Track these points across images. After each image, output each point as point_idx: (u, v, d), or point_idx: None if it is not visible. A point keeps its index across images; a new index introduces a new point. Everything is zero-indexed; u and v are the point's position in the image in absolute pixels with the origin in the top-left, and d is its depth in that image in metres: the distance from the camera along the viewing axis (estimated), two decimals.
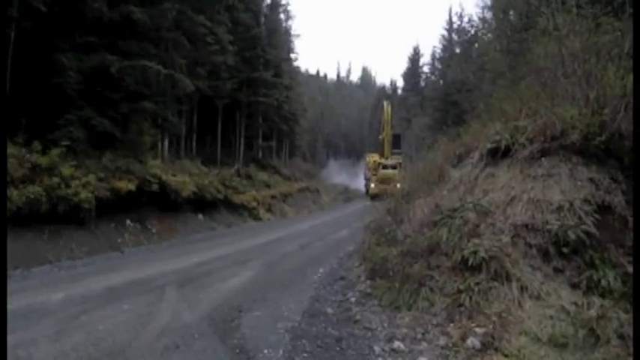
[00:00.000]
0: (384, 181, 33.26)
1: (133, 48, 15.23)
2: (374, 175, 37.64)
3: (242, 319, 5.64)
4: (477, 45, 37.34)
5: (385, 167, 36.99)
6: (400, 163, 35.75)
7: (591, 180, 5.81)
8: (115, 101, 14.60)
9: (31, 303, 6.54)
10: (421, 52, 65.29)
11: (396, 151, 39.55)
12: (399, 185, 24.97)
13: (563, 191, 5.81)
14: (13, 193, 9.86)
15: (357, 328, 5.22)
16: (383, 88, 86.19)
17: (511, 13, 18.93)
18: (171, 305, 6.39)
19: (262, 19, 34.91)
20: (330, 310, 6.02)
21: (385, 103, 42.83)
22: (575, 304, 4.78)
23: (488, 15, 30.82)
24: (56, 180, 10.93)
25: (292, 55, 48.19)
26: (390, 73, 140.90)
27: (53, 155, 11.37)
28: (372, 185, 36.34)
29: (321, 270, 8.93)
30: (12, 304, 6.36)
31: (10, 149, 10.68)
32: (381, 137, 41.00)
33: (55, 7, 13.05)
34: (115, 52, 14.34)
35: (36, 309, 6.26)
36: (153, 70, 14.72)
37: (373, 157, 41.31)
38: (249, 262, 9.83)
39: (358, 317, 5.58)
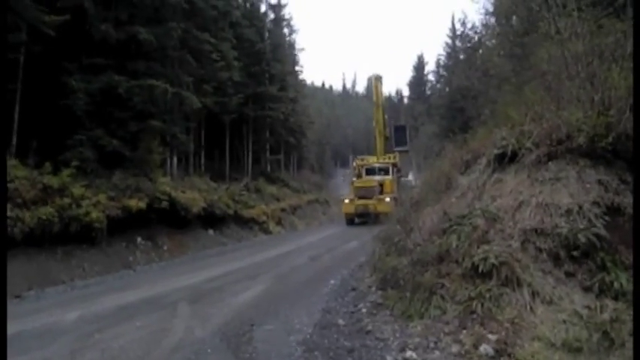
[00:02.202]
0: (364, 193, 23.20)
1: (140, 67, 15.47)
2: (352, 185, 25.48)
3: (254, 333, 5.65)
4: (480, 51, 37.34)
5: (371, 172, 26.22)
6: (395, 165, 26.55)
7: (600, 182, 5.78)
8: (124, 120, 14.81)
9: (45, 323, 6.62)
10: (426, 60, 65.55)
11: (399, 149, 29.09)
12: (390, 200, 21.16)
13: (571, 194, 5.78)
14: (25, 214, 10.00)
15: (369, 339, 5.20)
16: (389, 97, 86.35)
17: (513, 18, 18.98)
18: (184, 321, 6.41)
19: (266, 34, 35.23)
20: (341, 322, 6.00)
21: (373, 77, 31.90)
22: (588, 307, 4.73)
23: (492, 20, 30.92)
24: (67, 200, 11.07)
25: (297, 69, 48.57)
26: (395, 82, 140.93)
27: (64, 176, 11.53)
28: (346, 201, 24.05)
29: (332, 281, 8.91)
30: (27, 324, 6.47)
31: (22, 171, 10.86)
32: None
33: (62, 31, 13.30)
34: (122, 73, 14.59)
35: (50, 329, 6.32)
36: (160, 88, 14.94)
37: (361, 161, 28.51)
38: (260, 275, 9.84)
39: (370, 328, 5.56)
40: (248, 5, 33.82)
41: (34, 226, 10.06)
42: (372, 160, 27.63)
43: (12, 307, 7.73)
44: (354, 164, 29.23)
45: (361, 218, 23.08)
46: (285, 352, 4.98)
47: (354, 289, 7.84)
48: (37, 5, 12.81)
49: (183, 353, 5.05)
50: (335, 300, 7.33)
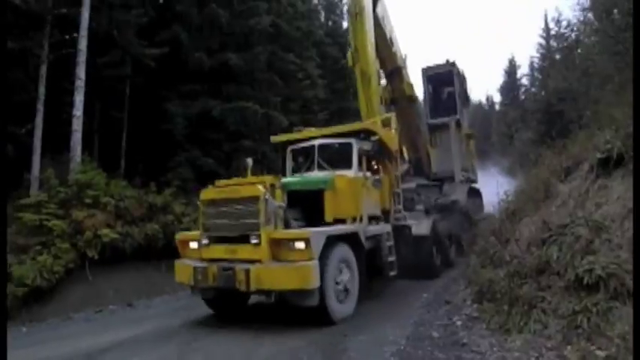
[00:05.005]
0: (226, 224, 6.92)
1: (231, 91, 16.43)
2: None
3: (347, 344, 5.73)
4: (579, 50, 34.93)
5: (305, 158, 9.20)
6: (385, 144, 8.96)
7: None
8: (218, 141, 15.82)
9: (158, 327, 7.33)
10: (518, 63, 62.11)
11: (443, 120, 15.23)
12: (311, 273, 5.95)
13: None
14: (134, 230, 11.05)
15: (464, 352, 5.06)
16: (479, 104, 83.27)
17: (614, 12, 17.62)
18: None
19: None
20: (435, 334, 5.90)
21: None
22: None
23: (589, 16, 28.87)
24: (170, 217, 11.98)
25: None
26: (485, 88, 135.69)
27: (167, 195, 12.54)
28: (192, 247, 7.56)
29: (424, 295, 8.77)
30: (139, 329, 7.22)
31: (130, 191, 12.01)
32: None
33: (161, 62, 14.58)
34: (215, 97, 15.61)
35: (160, 333, 6.93)
36: (250, 110, 15.74)
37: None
38: None
39: (465, 341, 5.41)
40: (330, 23, 34.54)
41: (141, 241, 11.06)
42: (313, 134, 9.65)
43: (127, 313, 9.08)
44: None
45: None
46: None
47: (448, 302, 7.67)
48: (139, 40, 14.19)
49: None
50: (428, 313, 7.24)
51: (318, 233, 6.54)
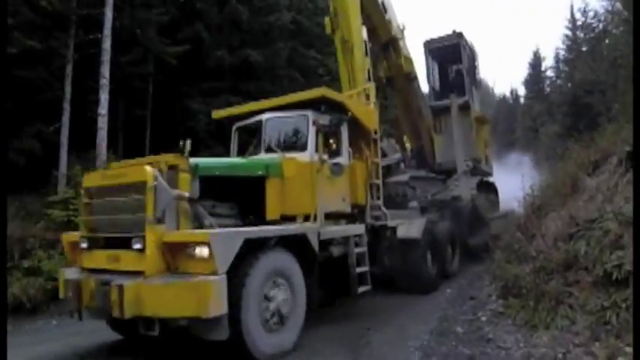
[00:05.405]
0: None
1: (252, 88, 16.51)
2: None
3: (371, 338, 5.71)
4: (606, 40, 34.01)
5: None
6: (350, 113, 7.13)
7: None
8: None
9: None
10: (543, 55, 60.86)
11: (444, 103, 12.75)
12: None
13: None
14: None
15: (489, 347, 4.99)
16: (503, 98, 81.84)
17: None
18: None
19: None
20: (459, 329, 5.84)
21: None
22: None
23: (617, 6, 28.09)
24: None
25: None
26: (509, 81, 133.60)
27: None
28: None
29: (448, 290, 8.69)
30: None
31: None
32: None
33: (182, 60, 14.76)
34: (236, 94, 15.70)
35: None
36: None
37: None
38: None
39: (491, 336, 5.34)
40: None
41: None
42: (261, 105, 7.36)
43: None
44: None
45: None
46: (401, 357, 4.98)
47: (472, 298, 7.58)
48: (161, 38, 14.39)
49: None
50: (452, 308, 7.17)
51: (228, 235, 4.70)
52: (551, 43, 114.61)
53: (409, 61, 12.25)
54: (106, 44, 11.88)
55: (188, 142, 5.10)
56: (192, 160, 5.18)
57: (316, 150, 6.46)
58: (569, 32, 48.62)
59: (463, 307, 7.12)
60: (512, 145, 45.46)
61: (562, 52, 52.18)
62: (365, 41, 9.53)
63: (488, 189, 13.85)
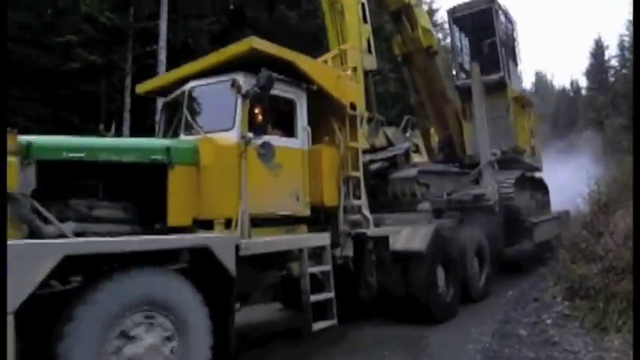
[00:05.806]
0: None
1: None
2: None
3: (430, 340, 5.59)
4: None
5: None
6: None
7: None
8: None
9: None
10: (605, 43, 57.77)
11: (468, 81, 9.97)
12: None
13: None
14: None
15: (556, 351, 4.75)
16: (563, 90, 78.21)
17: None
18: None
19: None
20: (523, 332, 5.60)
21: None
22: None
23: None
24: None
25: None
26: (569, 72, 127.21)
27: None
28: None
29: (509, 292, 8.36)
30: None
31: None
32: None
33: None
34: None
35: None
36: None
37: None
38: None
39: (556, 339, 5.09)
40: None
41: None
42: (186, 70, 5.41)
43: None
44: None
45: None
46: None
47: (536, 300, 7.26)
48: (212, 47, 14.76)
49: None
50: (514, 310, 6.89)
51: (25, 249, 2.86)
52: (615, 30, 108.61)
53: (428, 32, 10.10)
54: (162, 55, 12.37)
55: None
56: (24, 138, 3.47)
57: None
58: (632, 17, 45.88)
59: (526, 310, 6.84)
60: (574, 140, 43.38)
61: (627, 40, 49.36)
62: (362, 2, 8.19)
63: (535, 186, 11.42)
